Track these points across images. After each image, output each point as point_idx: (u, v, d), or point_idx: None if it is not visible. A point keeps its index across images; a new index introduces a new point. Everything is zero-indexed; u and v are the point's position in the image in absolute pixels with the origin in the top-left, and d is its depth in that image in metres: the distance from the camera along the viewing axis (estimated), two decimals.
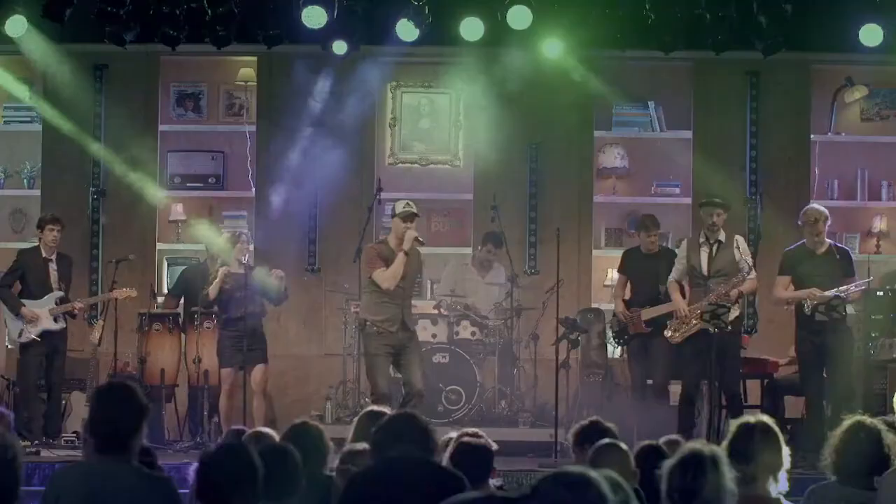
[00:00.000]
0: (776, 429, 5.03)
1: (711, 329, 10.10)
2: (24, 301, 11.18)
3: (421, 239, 10.27)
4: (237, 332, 10.59)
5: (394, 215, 10.32)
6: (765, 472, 4.87)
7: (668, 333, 10.48)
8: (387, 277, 10.07)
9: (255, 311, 10.68)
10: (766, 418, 5.12)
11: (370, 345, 10.19)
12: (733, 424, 5.09)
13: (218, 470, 4.37)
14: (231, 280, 10.63)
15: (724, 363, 10.27)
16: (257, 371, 10.66)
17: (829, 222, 10.44)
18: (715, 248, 10.37)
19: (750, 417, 5.13)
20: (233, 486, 4.34)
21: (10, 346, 11.81)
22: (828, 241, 10.48)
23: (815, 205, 10.89)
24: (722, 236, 10.40)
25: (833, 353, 10.19)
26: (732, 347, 10.43)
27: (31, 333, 11.09)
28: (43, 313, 11.11)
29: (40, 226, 11.26)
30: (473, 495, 5.07)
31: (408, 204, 10.21)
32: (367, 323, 10.21)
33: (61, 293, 11.21)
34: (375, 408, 6.56)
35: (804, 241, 10.49)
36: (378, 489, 5.15)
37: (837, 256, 10.37)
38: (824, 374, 10.27)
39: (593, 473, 3.51)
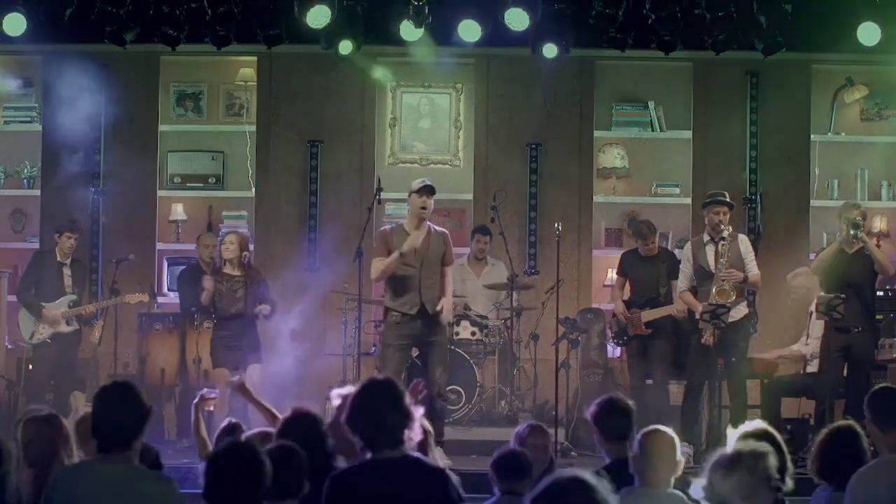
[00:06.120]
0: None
1: (711, 329, 10.08)
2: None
3: (416, 245, 9.72)
4: (229, 333, 10.59)
5: (410, 194, 9.93)
6: None
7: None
8: (374, 269, 9.90)
9: (246, 312, 10.66)
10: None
11: (386, 335, 9.97)
12: None
13: (226, 469, 4.34)
14: (223, 280, 10.64)
15: (732, 362, 10.25)
16: (252, 371, 10.64)
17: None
18: (720, 244, 10.33)
19: None
20: (241, 484, 4.31)
21: (10, 347, 11.81)
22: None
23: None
24: (726, 233, 10.36)
25: (855, 356, 10.17)
26: (740, 346, 10.39)
27: (43, 335, 11.16)
28: (55, 316, 11.17)
29: (59, 231, 11.35)
30: None
31: (424, 180, 9.92)
32: (388, 311, 9.96)
33: (74, 297, 11.27)
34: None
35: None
36: (361, 487, 5.14)
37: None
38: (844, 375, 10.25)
39: (586, 475, 3.51)
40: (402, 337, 9.85)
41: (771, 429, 5.21)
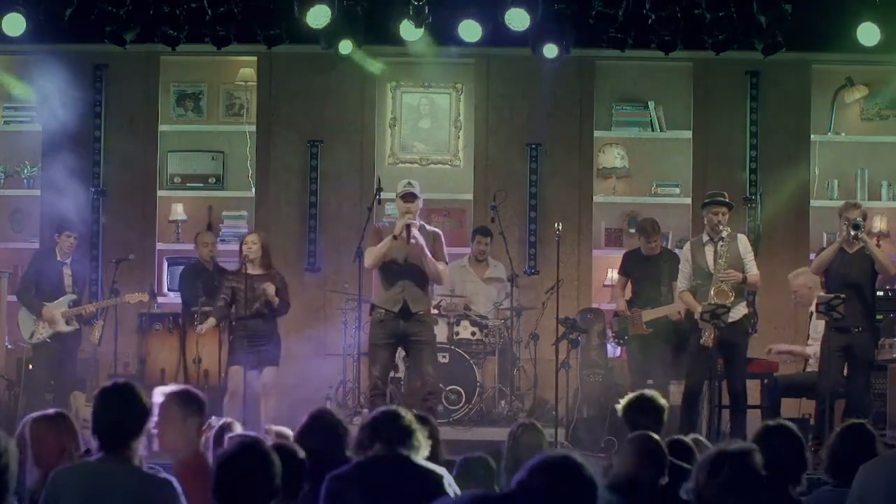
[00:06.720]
0: None
1: (711, 329, 10.06)
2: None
3: (415, 227, 9.76)
4: (248, 332, 10.54)
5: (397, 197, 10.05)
6: None
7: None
8: (368, 255, 9.90)
9: (265, 312, 10.62)
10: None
11: (372, 334, 9.97)
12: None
13: (237, 468, 4.33)
14: (244, 280, 10.63)
15: (732, 361, 10.24)
16: (266, 373, 10.60)
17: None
18: (720, 244, 10.31)
19: None
20: (251, 483, 4.30)
21: (10, 347, 11.81)
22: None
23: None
24: (725, 234, 10.35)
25: (855, 356, 10.14)
26: (740, 346, 10.38)
27: (43, 335, 11.17)
28: (56, 315, 11.17)
29: (59, 231, 11.37)
30: (461, 496, 5.08)
31: (408, 184, 9.93)
32: (374, 308, 9.96)
33: (74, 296, 11.28)
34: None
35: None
36: (357, 490, 5.15)
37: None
38: (843, 375, 10.22)
39: (576, 456, 3.56)
40: (387, 335, 9.86)
41: (791, 424, 5.23)
